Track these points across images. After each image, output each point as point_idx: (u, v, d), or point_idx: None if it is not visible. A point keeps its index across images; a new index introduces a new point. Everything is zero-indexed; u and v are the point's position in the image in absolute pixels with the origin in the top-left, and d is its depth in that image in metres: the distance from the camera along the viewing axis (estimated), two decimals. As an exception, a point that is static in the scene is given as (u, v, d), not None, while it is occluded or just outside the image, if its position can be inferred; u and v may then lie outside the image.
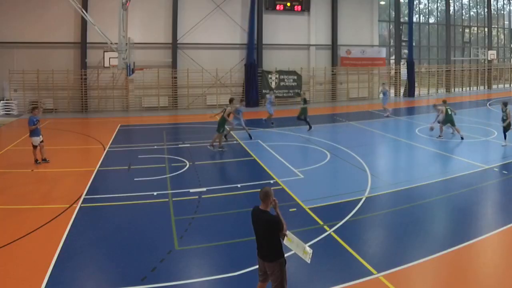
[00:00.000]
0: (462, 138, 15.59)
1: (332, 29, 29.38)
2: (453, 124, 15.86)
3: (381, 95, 24.50)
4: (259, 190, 5.20)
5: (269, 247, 5.02)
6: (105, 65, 21.38)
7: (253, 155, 13.73)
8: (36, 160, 12.67)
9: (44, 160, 12.82)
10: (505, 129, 14.45)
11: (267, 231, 4.99)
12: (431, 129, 16.63)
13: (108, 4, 22.27)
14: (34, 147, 12.60)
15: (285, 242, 4.98)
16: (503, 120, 14.54)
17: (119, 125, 19.77)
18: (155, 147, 15.14)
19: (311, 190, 10.28)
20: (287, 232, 5.01)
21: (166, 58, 25.48)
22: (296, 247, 4.98)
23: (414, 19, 33.14)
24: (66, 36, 23.72)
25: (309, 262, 5.00)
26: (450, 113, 15.75)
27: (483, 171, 11.65)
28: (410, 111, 25.78)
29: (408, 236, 7.59)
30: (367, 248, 7.23)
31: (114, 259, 6.84)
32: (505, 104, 14.55)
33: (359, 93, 30.58)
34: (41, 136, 12.69)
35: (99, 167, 12.41)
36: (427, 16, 35.61)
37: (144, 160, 13.23)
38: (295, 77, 28.12)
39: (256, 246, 5.20)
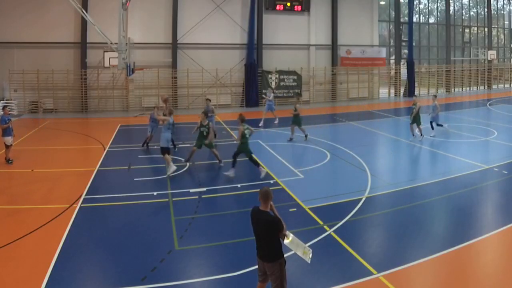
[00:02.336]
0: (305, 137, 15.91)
1: (332, 29, 29.37)
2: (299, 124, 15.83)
3: (267, 102, 20.17)
4: (259, 190, 5.20)
5: (269, 247, 5.02)
6: (105, 65, 21.37)
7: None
8: (8, 160, 12.66)
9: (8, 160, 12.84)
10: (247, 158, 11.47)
11: (267, 232, 4.98)
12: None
13: (108, 4, 22.27)
14: (7, 146, 12.66)
15: (285, 242, 4.97)
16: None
17: (119, 125, 19.76)
18: (155, 147, 15.11)
19: (311, 190, 10.28)
20: (287, 232, 5.00)
21: (166, 58, 25.47)
22: (296, 247, 4.98)
23: (414, 19, 33.13)
24: (66, 36, 23.71)
25: (309, 262, 5.00)
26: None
27: (483, 171, 11.65)
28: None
29: (408, 236, 7.59)
30: (367, 248, 7.24)
31: (114, 259, 6.84)
32: (242, 120, 11.30)
33: (359, 93, 30.58)
34: (11, 137, 12.74)
35: (99, 167, 12.41)
36: (427, 16, 35.60)
37: (144, 160, 13.23)
38: (295, 77, 28.10)
39: (255, 247, 5.20)
